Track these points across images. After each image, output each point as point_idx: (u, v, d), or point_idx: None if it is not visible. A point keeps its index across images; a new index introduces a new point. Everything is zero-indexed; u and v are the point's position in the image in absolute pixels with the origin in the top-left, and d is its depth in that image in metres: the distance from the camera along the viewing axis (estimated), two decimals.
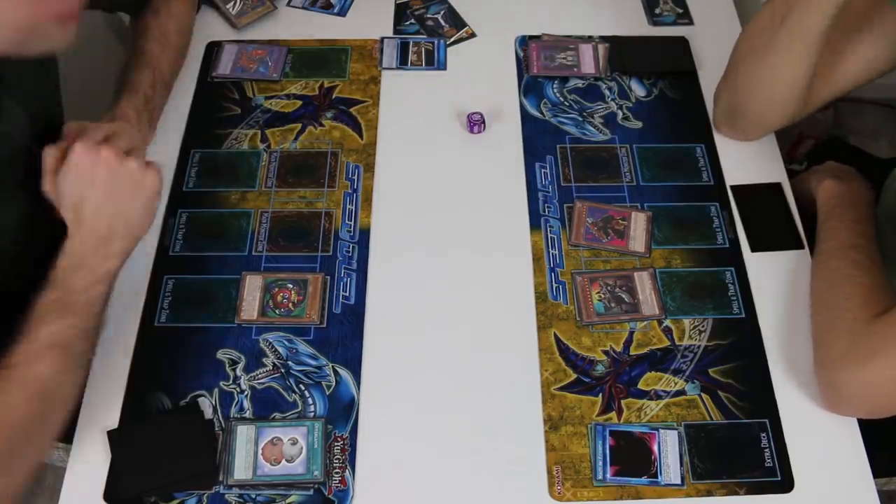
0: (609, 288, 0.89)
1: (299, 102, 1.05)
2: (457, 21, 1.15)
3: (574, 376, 0.84)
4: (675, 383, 0.83)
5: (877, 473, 0.79)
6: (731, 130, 1.01)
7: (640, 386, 0.83)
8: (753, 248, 0.92)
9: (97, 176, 0.73)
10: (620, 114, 1.05)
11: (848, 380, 0.77)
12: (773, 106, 0.94)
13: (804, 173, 1.01)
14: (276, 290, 0.89)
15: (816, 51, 0.86)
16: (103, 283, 0.76)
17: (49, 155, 0.74)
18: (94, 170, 0.73)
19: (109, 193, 0.74)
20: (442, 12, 1.16)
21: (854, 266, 0.83)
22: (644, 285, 0.89)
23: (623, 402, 0.82)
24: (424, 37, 1.13)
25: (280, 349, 0.85)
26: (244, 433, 0.79)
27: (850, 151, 1.27)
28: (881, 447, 0.81)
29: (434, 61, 1.10)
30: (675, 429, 0.80)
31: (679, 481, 0.77)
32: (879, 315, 0.77)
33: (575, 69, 1.09)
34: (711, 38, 1.11)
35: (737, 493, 0.77)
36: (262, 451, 0.78)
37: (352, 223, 0.94)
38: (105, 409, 0.81)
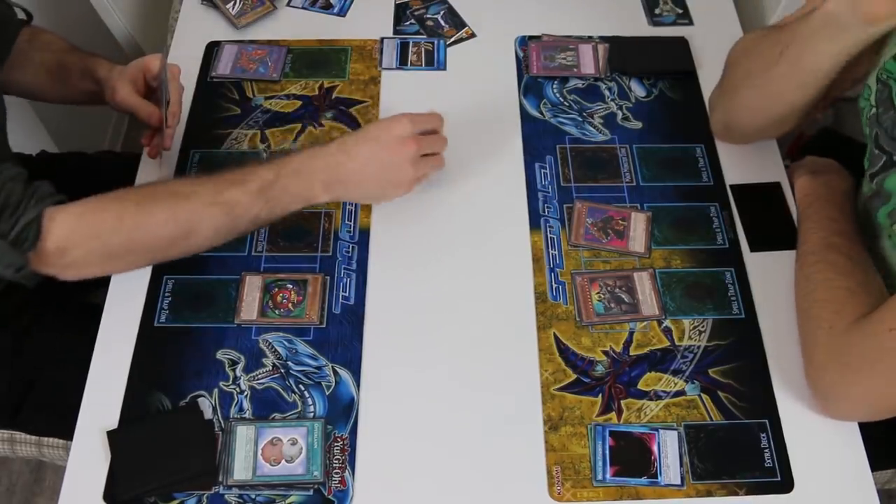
0: (609, 288, 0.89)
1: (299, 102, 1.05)
2: (457, 21, 1.15)
3: (574, 376, 0.84)
4: (675, 384, 0.83)
5: (875, 466, 0.79)
6: (728, 139, 1.00)
7: (640, 386, 0.83)
8: (753, 248, 0.92)
9: (405, 159, 0.84)
10: (620, 114, 1.05)
11: (830, 391, 0.77)
12: (769, 127, 0.94)
13: (788, 170, 1.00)
14: (276, 290, 0.89)
15: (816, 88, 0.83)
16: (304, 203, 0.84)
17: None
18: (408, 154, 0.84)
19: (388, 174, 0.85)
20: (442, 12, 1.16)
21: (829, 269, 0.82)
22: (644, 286, 0.89)
23: (623, 402, 0.82)
24: (424, 37, 1.13)
25: (280, 349, 0.85)
26: (244, 433, 0.79)
27: (842, 141, 1.24)
28: (877, 442, 0.81)
29: (434, 61, 1.10)
30: (675, 429, 0.80)
31: (679, 482, 0.77)
32: (855, 321, 0.76)
33: (575, 69, 1.09)
34: (711, 38, 1.11)
35: (736, 494, 0.77)
36: (261, 451, 0.78)
37: (351, 223, 0.94)
38: (105, 409, 0.81)
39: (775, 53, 0.85)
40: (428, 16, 1.15)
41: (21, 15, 0.97)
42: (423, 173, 0.87)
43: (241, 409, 0.81)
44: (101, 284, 0.89)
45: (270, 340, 0.86)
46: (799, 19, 0.83)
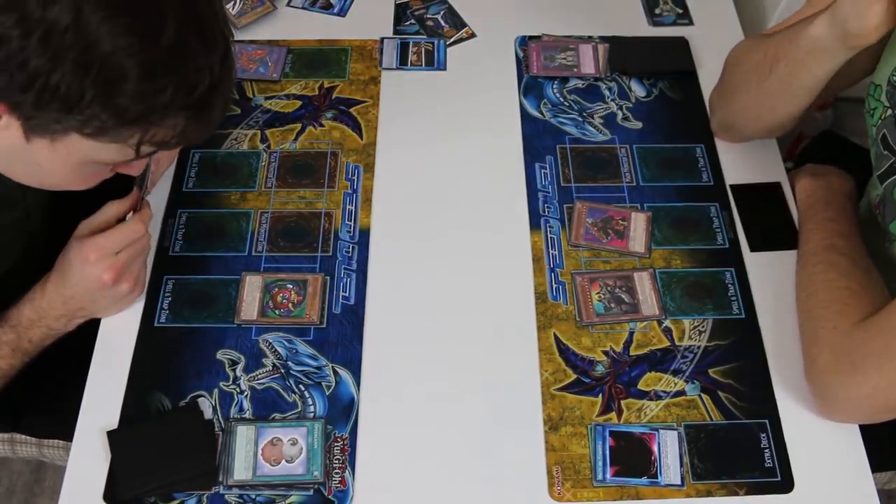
0: (609, 288, 0.89)
1: (299, 102, 1.05)
2: (457, 21, 1.15)
3: (574, 377, 0.84)
4: (675, 384, 0.83)
5: (875, 467, 0.78)
6: (728, 139, 1.01)
7: (640, 386, 0.83)
8: (753, 248, 0.92)
9: (91, 280, 0.80)
10: (620, 114, 1.05)
11: (833, 392, 0.76)
12: (769, 129, 0.95)
13: (789, 174, 1.00)
14: (276, 290, 0.88)
15: (810, 98, 0.86)
16: (54, 339, 0.83)
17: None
18: (89, 272, 0.79)
19: (93, 295, 0.81)
20: (442, 12, 1.16)
21: (831, 269, 0.82)
22: (644, 286, 0.89)
23: (623, 402, 0.82)
24: (424, 37, 1.13)
25: (280, 349, 0.85)
26: (244, 434, 0.79)
27: (843, 145, 1.25)
28: (878, 443, 0.81)
29: (434, 61, 1.10)
30: (675, 429, 0.80)
31: (679, 482, 0.77)
32: (859, 322, 0.76)
33: (575, 69, 1.09)
34: (711, 38, 1.11)
35: (737, 494, 0.77)
36: (261, 451, 0.78)
37: (351, 223, 0.94)
38: (105, 409, 0.81)
39: (766, 69, 0.86)
40: (428, 16, 1.16)
41: None
42: (136, 275, 0.84)
43: (241, 409, 0.81)
44: None
45: (270, 340, 0.86)
46: (787, 35, 0.84)
